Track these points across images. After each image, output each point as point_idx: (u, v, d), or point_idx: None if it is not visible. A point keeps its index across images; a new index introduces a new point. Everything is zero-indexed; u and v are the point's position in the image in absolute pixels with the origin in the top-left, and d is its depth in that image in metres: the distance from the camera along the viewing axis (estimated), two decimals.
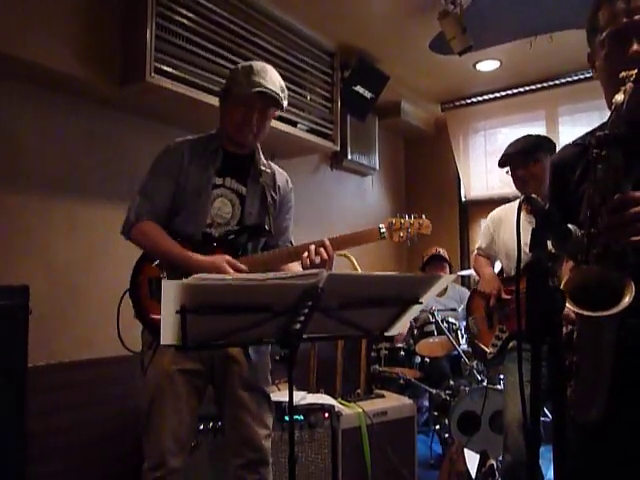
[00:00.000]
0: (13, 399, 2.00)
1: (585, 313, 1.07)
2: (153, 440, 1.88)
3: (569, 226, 1.13)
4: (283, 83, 2.02)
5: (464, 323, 3.47)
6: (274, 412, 2.07)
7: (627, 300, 1.04)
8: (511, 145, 2.57)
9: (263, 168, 2.05)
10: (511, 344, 2.47)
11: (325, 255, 1.85)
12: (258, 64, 1.99)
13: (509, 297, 2.49)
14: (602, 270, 1.10)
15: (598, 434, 1.19)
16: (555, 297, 1.03)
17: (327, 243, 1.86)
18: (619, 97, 1.11)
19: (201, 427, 2.39)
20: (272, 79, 1.96)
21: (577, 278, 1.12)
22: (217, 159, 1.99)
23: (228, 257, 1.87)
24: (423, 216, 1.95)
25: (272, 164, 2.13)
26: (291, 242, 2.14)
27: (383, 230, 1.90)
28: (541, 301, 1.01)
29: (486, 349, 2.53)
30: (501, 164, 2.60)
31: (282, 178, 2.14)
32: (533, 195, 1.09)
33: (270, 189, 2.05)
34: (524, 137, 2.57)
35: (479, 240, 2.81)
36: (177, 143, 2.01)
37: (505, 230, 2.60)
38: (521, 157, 2.49)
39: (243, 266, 1.87)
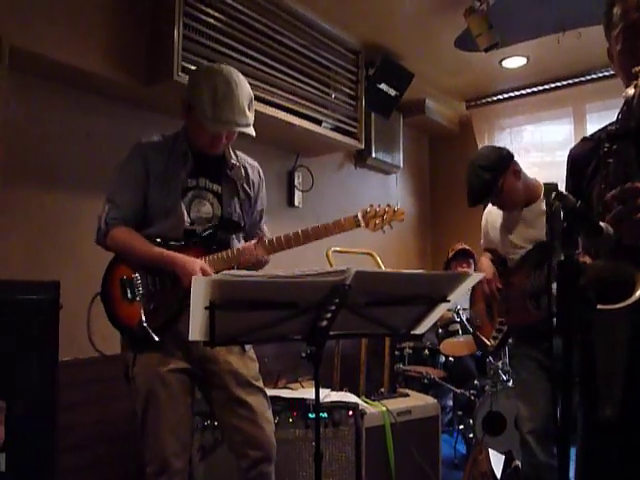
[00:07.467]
0: (45, 393, 2.04)
1: (598, 306, 1.06)
2: (154, 443, 1.85)
3: (600, 223, 1.11)
4: (250, 91, 1.92)
5: None
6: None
7: (639, 293, 1.04)
8: (469, 188, 2.41)
9: (234, 162, 2.04)
10: (510, 339, 2.44)
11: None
12: (222, 82, 1.84)
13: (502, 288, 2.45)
14: (614, 264, 1.10)
15: (615, 432, 1.18)
16: (586, 295, 1.02)
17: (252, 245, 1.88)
18: (630, 91, 1.10)
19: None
20: (240, 104, 1.85)
21: (589, 272, 1.11)
22: (187, 162, 1.96)
23: (202, 262, 1.84)
24: (398, 204, 1.95)
25: (242, 156, 2.11)
26: (262, 230, 2.15)
27: (359, 218, 1.90)
28: (572, 299, 1.00)
29: (487, 341, 2.50)
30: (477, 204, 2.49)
31: (254, 171, 2.13)
32: (564, 192, 1.08)
33: (244, 184, 2.05)
34: (474, 175, 2.38)
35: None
36: (140, 146, 1.98)
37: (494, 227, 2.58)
38: (482, 197, 2.40)
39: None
